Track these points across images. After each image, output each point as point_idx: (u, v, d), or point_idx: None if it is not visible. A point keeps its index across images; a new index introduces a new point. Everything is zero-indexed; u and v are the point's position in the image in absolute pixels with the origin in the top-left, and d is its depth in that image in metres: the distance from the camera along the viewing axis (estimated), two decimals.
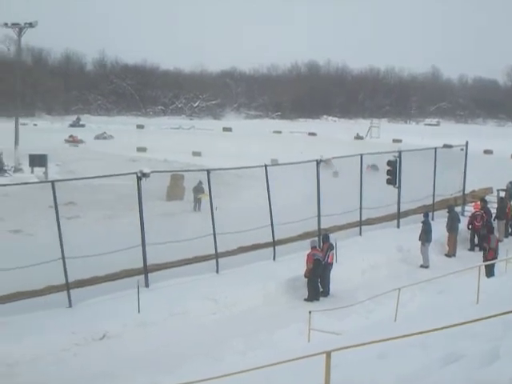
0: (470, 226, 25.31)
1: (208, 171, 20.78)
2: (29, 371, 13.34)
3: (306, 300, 19.28)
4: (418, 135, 77.62)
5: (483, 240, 22.75)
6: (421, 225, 23.44)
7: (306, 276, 19.57)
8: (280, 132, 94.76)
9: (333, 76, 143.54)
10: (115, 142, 70.14)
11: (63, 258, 16.58)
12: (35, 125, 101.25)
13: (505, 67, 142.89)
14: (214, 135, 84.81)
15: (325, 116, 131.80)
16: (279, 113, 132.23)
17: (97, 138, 78.68)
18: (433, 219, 26.15)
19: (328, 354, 7.35)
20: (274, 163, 33.98)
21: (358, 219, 25.07)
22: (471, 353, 7.52)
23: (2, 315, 13.77)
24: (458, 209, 27.60)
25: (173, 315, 16.70)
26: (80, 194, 30.79)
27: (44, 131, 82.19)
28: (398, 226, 26.48)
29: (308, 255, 19.71)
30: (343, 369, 8.21)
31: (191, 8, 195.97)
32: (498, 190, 28.75)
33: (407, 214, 26.98)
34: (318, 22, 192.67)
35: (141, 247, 18.45)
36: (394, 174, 25.72)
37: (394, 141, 73.34)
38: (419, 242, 23.06)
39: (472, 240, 25.40)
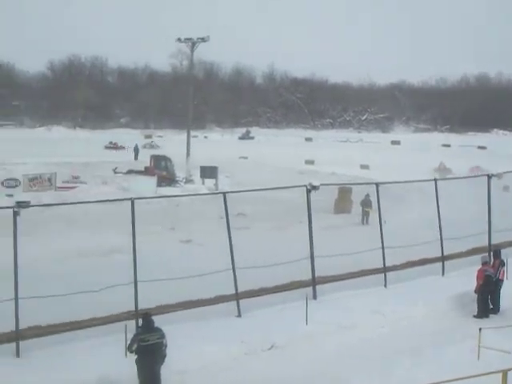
0: None
1: (377, 184, 20.70)
2: (198, 379, 13.74)
3: (475, 317, 18.71)
4: None
5: None
6: None
7: (476, 292, 19.01)
8: (449, 145, 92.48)
9: (504, 88, 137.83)
10: (283, 154, 71.16)
11: (233, 268, 17.04)
12: (206, 137, 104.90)
13: None
14: (382, 148, 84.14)
15: (495, 129, 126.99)
16: (448, 126, 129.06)
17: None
18: None
19: (504, 374, 7.12)
20: (442, 177, 33.25)
21: None
22: None
23: (172, 323, 14.32)
24: None
25: (340, 328, 16.69)
26: (249, 205, 31.49)
27: (214, 143, 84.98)
28: None
29: (479, 271, 19.15)
30: None
31: (360, 21, 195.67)
32: None
33: None
34: (486, 33, 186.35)
35: (308, 259, 18.64)
36: None
37: None
38: None
39: None
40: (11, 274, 13.95)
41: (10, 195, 38.44)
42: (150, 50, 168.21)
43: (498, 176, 25.13)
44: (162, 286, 15.38)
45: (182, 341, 13.74)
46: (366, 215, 33.70)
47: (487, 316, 18.77)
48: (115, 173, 49.48)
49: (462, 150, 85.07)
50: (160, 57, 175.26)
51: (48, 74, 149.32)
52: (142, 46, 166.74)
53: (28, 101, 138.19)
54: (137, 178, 45.73)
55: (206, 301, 16.86)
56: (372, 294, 18.98)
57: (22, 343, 13.96)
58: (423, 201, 26.75)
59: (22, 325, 14.03)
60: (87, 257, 22.65)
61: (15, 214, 13.93)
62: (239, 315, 17.08)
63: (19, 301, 13.78)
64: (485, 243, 22.40)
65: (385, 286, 20.06)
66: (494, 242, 22.40)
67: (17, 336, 13.95)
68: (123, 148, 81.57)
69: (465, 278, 19.77)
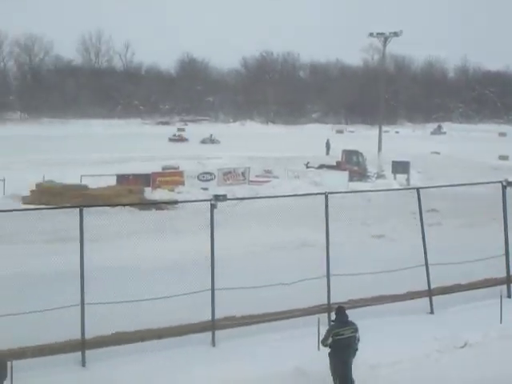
0: None
1: None
2: (390, 374, 13.76)
3: None
4: None
5: None
6: None
7: None
8: None
9: None
10: (475, 149, 68.94)
11: (426, 264, 16.92)
12: (397, 132, 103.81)
13: None
14: None
15: None
16: None
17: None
18: None
19: None
20: None
21: None
22: None
23: (365, 317, 14.42)
24: None
25: None
26: (441, 201, 30.88)
27: (405, 138, 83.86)
28: None
29: None
30: None
31: None
32: None
33: None
34: None
35: (502, 257, 18.13)
36: None
37: None
38: None
39: None
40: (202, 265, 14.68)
41: (206, 188, 40.29)
42: (342, 44, 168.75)
43: None
44: (353, 280, 15.58)
45: (373, 335, 13.83)
46: None
47: None
48: (307, 167, 50.16)
49: None
50: (351, 51, 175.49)
51: (241, 70, 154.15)
52: (333, 40, 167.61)
53: (222, 96, 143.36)
54: (328, 173, 46.15)
55: (398, 296, 16.86)
56: None
57: (217, 333, 14.60)
58: None
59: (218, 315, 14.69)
60: (279, 250, 23.20)
61: (212, 206, 14.56)
62: (431, 312, 16.93)
63: (215, 292, 14.47)
64: None
65: None
66: None
67: (213, 326, 14.60)
68: (187, 140, 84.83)
69: None
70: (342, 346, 12.54)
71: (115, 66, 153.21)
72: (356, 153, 50.75)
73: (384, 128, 64.73)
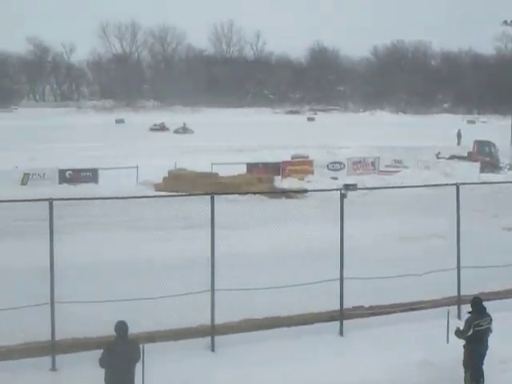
0: None
1: None
2: None
3: None
4: None
5: None
6: None
7: None
8: None
9: None
10: None
11: None
12: None
13: None
14: None
15: None
16: None
17: None
18: None
19: None
20: None
21: None
22: None
23: (495, 311, 14.00)
24: None
25: None
26: None
27: None
28: None
29: None
30: None
31: None
32: None
33: None
34: None
35: None
36: None
37: None
38: None
39: None
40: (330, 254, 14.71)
41: (335, 178, 40.26)
42: (474, 33, 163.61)
43: None
44: (481, 272, 15.23)
45: (505, 329, 13.46)
46: None
47: None
48: (438, 158, 49.23)
49: None
50: (484, 40, 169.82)
51: (372, 59, 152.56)
52: (465, 29, 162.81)
53: (352, 86, 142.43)
54: (459, 164, 45.14)
55: None
56: None
57: (345, 322, 14.58)
58: None
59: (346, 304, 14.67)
60: (408, 241, 22.95)
61: (342, 196, 14.54)
62: None
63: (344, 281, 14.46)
64: None
65: None
66: None
67: (341, 315, 14.58)
68: (168, 129, 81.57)
69: None
70: (480, 337, 12.25)
71: (246, 55, 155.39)
72: (488, 143, 49.21)
73: None
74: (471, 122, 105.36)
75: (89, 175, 38.89)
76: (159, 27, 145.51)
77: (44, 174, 38.06)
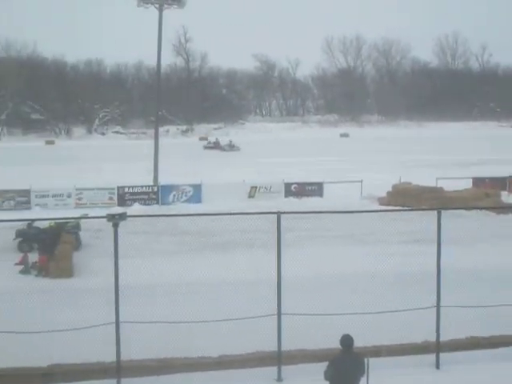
0: None
1: None
2: None
3: None
4: None
5: None
6: None
7: None
8: None
9: None
10: None
11: None
12: None
13: None
14: None
15: None
16: None
17: None
18: None
19: None
20: None
21: None
22: None
23: None
24: None
25: None
26: None
27: None
28: None
29: None
30: None
31: None
32: None
33: None
34: None
35: None
36: None
37: None
38: None
39: None
40: None
41: None
42: None
43: None
44: None
45: None
46: None
47: None
48: None
49: None
50: None
51: None
52: None
53: None
54: None
55: None
56: None
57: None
58: None
59: None
60: None
61: None
62: None
63: None
64: None
65: None
66: None
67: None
68: (222, 147, 79.12)
69: None
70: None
71: (471, 67, 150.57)
72: None
73: None
74: None
75: (314, 189, 39.65)
76: (383, 40, 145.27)
77: (270, 187, 39.35)
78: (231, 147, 77.76)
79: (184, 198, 37.79)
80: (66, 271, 21.27)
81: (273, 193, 39.05)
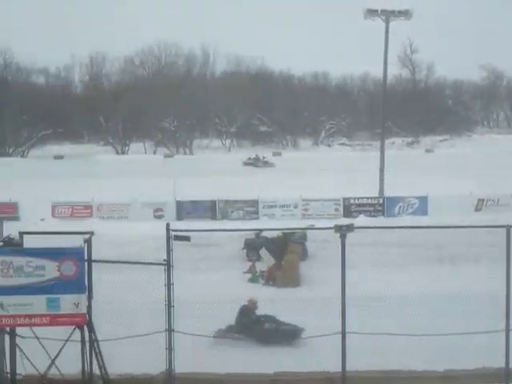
0: None
1: None
2: None
3: None
4: None
5: None
6: None
7: None
8: None
9: None
10: None
11: None
12: None
13: None
14: None
15: None
16: None
17: None
18: None
19: None
20: None
21: None
22: None
23: None
24: None
25: None
26: None
27: None
28: None
29: None
30: None
31: None
32: None
33: None
34: None
35: None
36: None
37: None
38: None
39: None
40: None
41: None
42: None
43: None
44: None
45: None
46: None
47: None
48: None
49: None
50: None
51: None
52: None
53: None
54: None
55: None
56: None
57: None
58: None
59: None
60: None
61: None
62: None
63: None
64: None
65: None
66: None
67: None
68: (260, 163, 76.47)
69: None
70: None
71: None
72: None
73: None
74: None
75: None
76: None
77: (498, 199, 37.83)
78: (264, 164, 77.09)
79: (410, 210, 37.45)
80: (293, 281, 21.81)
81: (500, 206, 37.52)
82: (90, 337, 11.54)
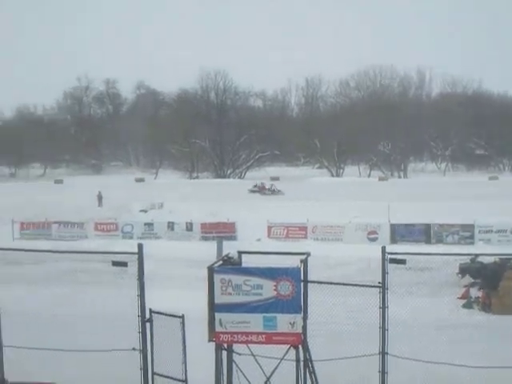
0: None
1: None
2: None
3: None
4: None
5: None
6: None
7: None
8: None
9: None
10: None
11: None
12: None
13: None
14: None
15: None
16: None
17: None
18: None
19: None
20: None
21: None
22: None
23: None
24: None
25: None
26: None
27: None
28: None
29: None
30: None
31: None
32: None
33: None
34: None
35: None
36: None
37: None
38: None
39: None
40: None
41: None
42: None
43: None
44: None
45: None
46: None
47: None
48: None
49: None
50: None
51: None
52: None
53: None
54: None
55: None
56: None
57: None
58: None
59: None
60: None
61: None
62: None
63: None
64: None
65: None
66: None
67: None
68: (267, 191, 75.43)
69: None
70: None
71: None
72: None
73: None
74: None
75: None
76: None
77: None
78: (272, 191, 74.94)
79: None
80: (510, 308, 21.02)
81: None
82: (305, 356, 11.76)
